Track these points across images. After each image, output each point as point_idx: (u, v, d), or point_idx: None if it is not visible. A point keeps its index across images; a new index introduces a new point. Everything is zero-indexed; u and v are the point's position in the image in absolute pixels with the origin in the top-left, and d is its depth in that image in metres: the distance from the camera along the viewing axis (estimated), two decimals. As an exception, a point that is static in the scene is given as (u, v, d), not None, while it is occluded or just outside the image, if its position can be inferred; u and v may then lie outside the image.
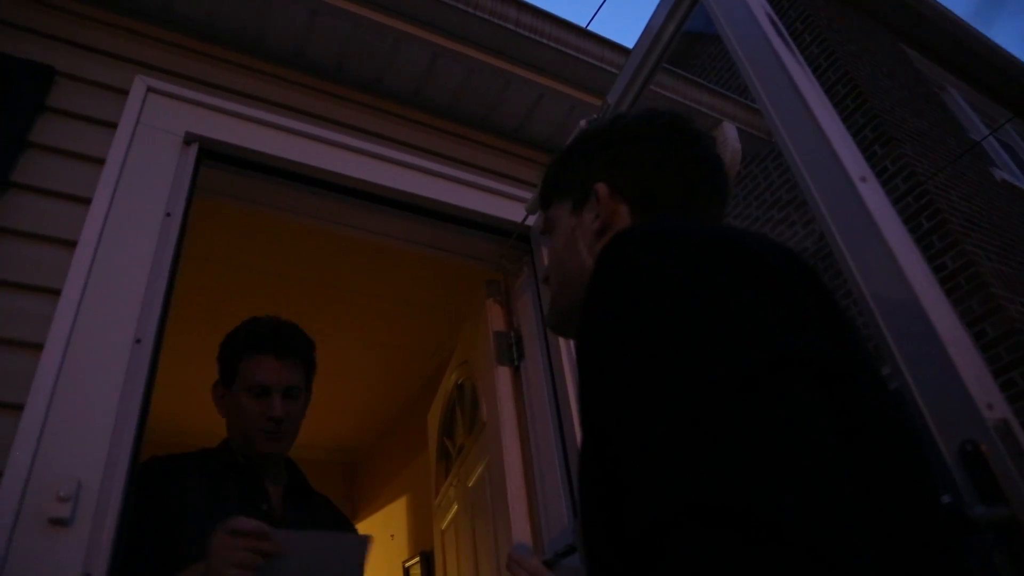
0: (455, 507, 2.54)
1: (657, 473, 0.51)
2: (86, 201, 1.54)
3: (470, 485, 2.34)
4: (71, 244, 1.48)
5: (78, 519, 1.19)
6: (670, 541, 0.48)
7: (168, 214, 1.61)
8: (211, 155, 1.82)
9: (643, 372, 0.56)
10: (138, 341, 1.41)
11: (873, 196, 0.91)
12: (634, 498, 0.52)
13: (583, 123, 1.72)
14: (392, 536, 4.53)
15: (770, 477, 0.47)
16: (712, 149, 0.95)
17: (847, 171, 0.94)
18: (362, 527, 5.20)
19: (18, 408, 1.26)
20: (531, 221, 2.09)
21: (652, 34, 1.59)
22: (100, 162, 1.61)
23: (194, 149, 1.76)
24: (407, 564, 4.05)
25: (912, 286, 0.81)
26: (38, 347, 1.33)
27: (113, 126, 1.68)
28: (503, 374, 2.13)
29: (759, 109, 1.13)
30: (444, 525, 2.69)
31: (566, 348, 1.87)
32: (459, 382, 2.61)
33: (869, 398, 0.61)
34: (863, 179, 0.93)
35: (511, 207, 2.15)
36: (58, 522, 1.17)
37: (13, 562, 1.12)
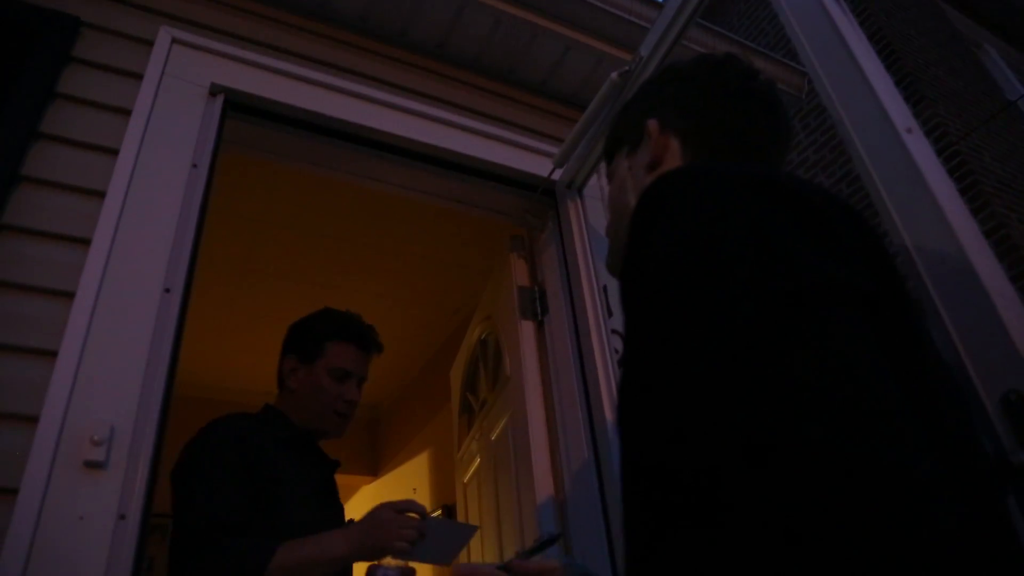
0: (477, 460, 2.57)
1: (699, 414, 0.51)
2: (113, 152, 1.55)
3: (493, 438, 2.36)
4: (100, 194, 1.49)
5: (112, 462, 1.22)
6: (717, 486, 0.47)
7: (195, 165, 1.62)
8: (236, 107, 1.82)
9: (678, 306, 0.55)
10: (167, 290, 1.43)
11: (919, 148, 0.89)
12: (681, 441, 0.52)
13: (614, 75, 1.69)
14: (415, 490, 4.61)
15: (822, 406, 0.45)
16: (771, 89, 0.92)
17: (893, 122, 0.92)
18: (384, 481, 5.29)
19: (52, 355, 1.28)
20: (557, 175, 2.07)
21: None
22: (127, 113, 1.62)
23: (219, 100, 1.76)
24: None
25: (958, 237, 0.80)
26: (70, 295, 1.35)
27: (139, 77, 1.68)
28: (527, 329, 2.13)
29: (790, 64, 1.11)
30: (466, 478, 2.72)
31: (591, 303, 1.87)
32: (482, 337, 2.62)
33: (914, 339, 0.60)
34: (909, 131, 0.91)
35: (537, 161, 2.14)
36: (93, 465, 1.20)
37: (51, 503, 1.15)
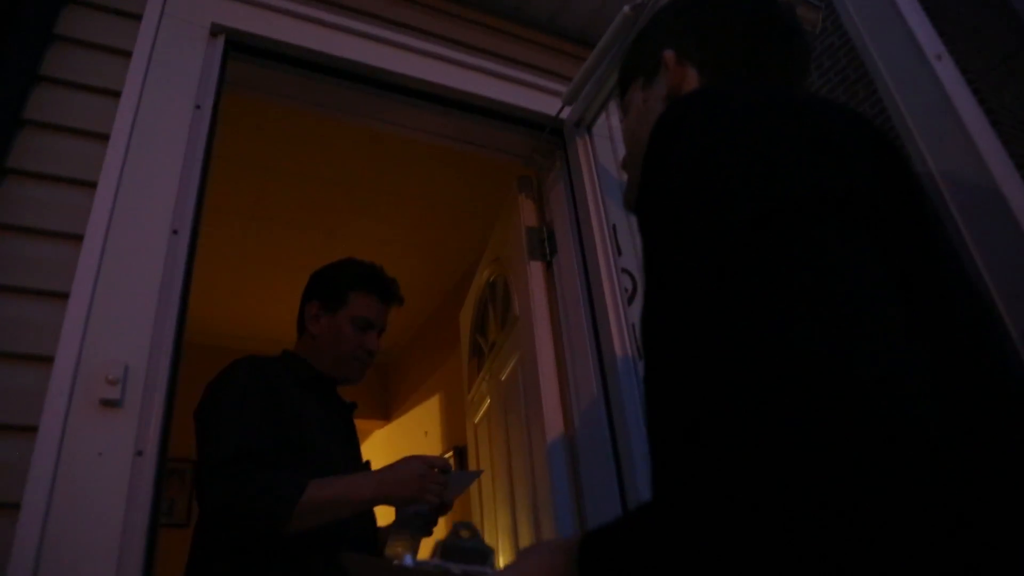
0: (488, 401, 2.60)
1: (701, 336, 0.51)
2: (115, 94, 1.53)
3: (503, 379, 2.38)
4: (103, 136, 1.47)
5: (127, 401, 1.24)
6: (720, 403, 0.48)
7: (198, 106, 1.60)
8: (238, 47, 1.79)
9: (681, 230, 0.55)
10: (175, 232, 1.43)
11: (949, 75, 0.87)
12: (687, 366, 0.52)
13: (627, 9, 1.65)
14: (426, 433, 4.67)
15: (812, 316, 0.46)
16: (789, 14, 0.90)
17: (922, 49, 0.90)
18: (396, 425, 5.37)
19: (64, 296, 1.29)
20: (565, 114, 2.04)
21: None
22: (127, 55, 1.59)
23: (220, 41, 1.74)
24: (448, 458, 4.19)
25: (988, 165, 0.78)
26: (78, 238, 1.35)
27: (138, 18, 1.65)
28: (535, 269, 2.13)
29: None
30: (477, 419, 2.76)
31: (600, 242, 1.86)
32: (491, 279, 2.62)
33: (930, 254, 0.59)
34: (938, 57, 0.89)
35: (545, 100, 2.11)
36: (109, 403, 1.22)
37: (70, 440, 1.18)
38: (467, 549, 0.98)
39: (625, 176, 1.00)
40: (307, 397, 1.59)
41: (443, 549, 0.97)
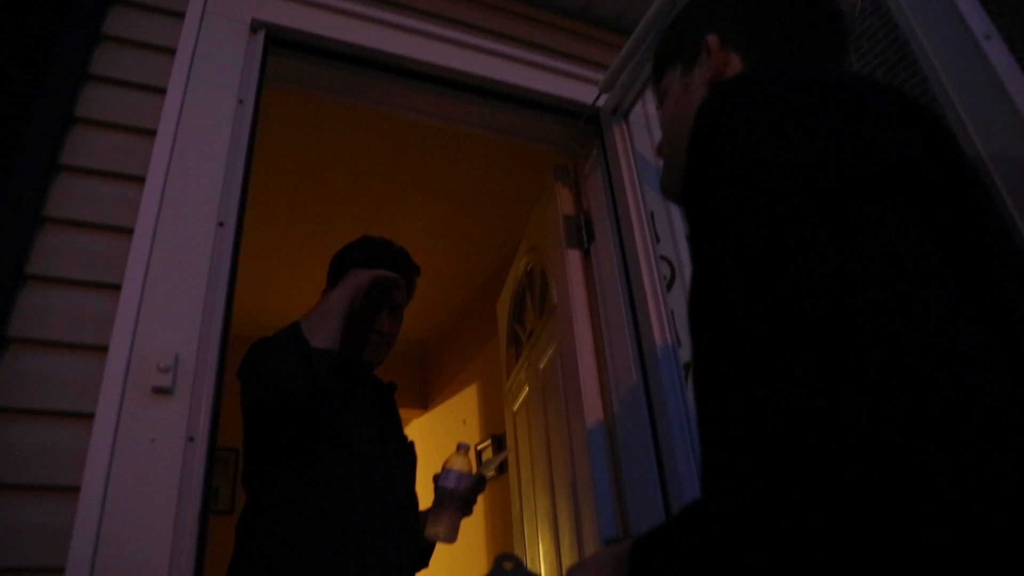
0: (526, 389, 2.61)
1: (748, 331, 0.50)
2: (161, 91, 1.57)
3: (541, 367, 2.39)
4: (151, 132, 1.51)
5: (178, 388, 1.28)
6: (772, 382, 0.47)
7: (240, 101, 1.63)
8: (278, 42, 1.82)
9: (728, 213, 0.55)
10: (220, 224, 1.46)
11: (999, 55, 0.85)
12: (743, 359, 0.51)
13: (664, -7, 1.64)
14: (464, 421, 4.71)
15: (865, 292, 0.45)
16: None
17: (971, 28, 0.88)
18: (434, 414, 5.42)
19: (116, 288, 1.33)
20: (601, 102, 2.04)
21: None
22: (171, 52, 1.63)
23: (261, 36, 1.76)
24: (479, 447, 4.22)
25: None
26: (128, 231, 1.39)
27: (181, 16, 1.68)
28: (573, 257, 2.13)
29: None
30: (515, 407, 2.77)
31: (639, 229, 1.86)
32: (528, 268, 2.63)
33: (981, 232, 0.58)
34: (987, 37, 0.87)
35: (580, 88, 2.11)
36: (161, 391, 1.26)
37: (125, 426, 1.22)
38: None
39: (661, 162, 1.00)
40: (336, 375, 1.57)
41: None
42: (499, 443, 3.94)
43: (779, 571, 0.45)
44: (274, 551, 1.40)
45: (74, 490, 1.15)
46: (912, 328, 0.44)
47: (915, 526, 0.39)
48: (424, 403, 5.65)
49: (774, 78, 0.64)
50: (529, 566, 2.43)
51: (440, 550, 1.79)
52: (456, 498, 1.53)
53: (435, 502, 1.55)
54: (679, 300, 1.79)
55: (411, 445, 1.78)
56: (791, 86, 0.61)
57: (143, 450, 1.21)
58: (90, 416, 1.21)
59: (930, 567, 0.39)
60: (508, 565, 1.00)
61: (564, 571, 0.79)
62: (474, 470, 1.60)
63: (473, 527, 3.96)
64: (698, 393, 0.60)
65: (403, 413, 1.76)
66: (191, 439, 1.26)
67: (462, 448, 1.63)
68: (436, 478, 1.59)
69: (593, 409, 1.95)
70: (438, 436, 5.17)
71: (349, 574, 1.41)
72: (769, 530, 0.45)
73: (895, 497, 0.40)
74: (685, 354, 1.72)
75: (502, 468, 3.71)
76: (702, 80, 0.89)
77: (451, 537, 1.51)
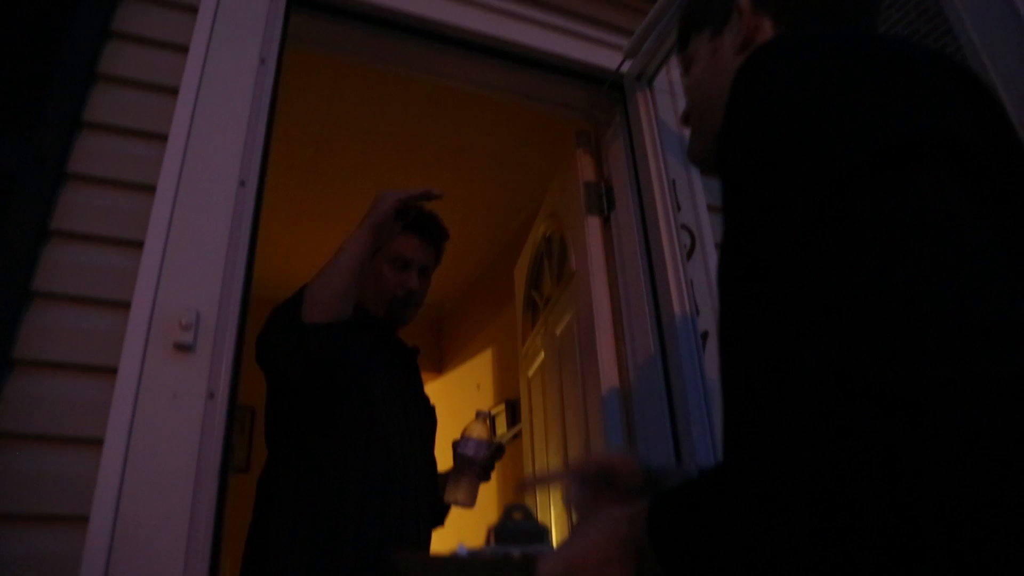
0: (542, 355, 2.62)
1: (786, 298, 0.50)
2: (183, 49, 1.56)
3: (558, 333, 2.40)
4: (173, 91, 1.51)
5: (199, 345, 1.29)
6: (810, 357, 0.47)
7: (262, 60, 1.63)
8: (300, 1, 1.80)
9: (770, 178, 0.54)
10: (242, 183, 1.47)
11: None
12: (785, 324, 0.50)
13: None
14: (478, 386, 4.74)
15: (916, 260, 0.44)
16: None
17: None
18: (448, 378, 5.45)
19: (139, 244, 1.34)
20: (625, 68, 2.01)
21: None
22: (193, 10, 1.62)
23: (283, -6, 1.75)
24: (493, 412, 4.25)
25: None
26: (151, 189, 1.40)
27: (203, -27, 1.67)
28: (593, 224, 2.13)
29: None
30: (531, 372, 2.79)
31: (660, 197, 1.84)
32: (547, 234, 2.62)
33: None
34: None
35: (604, 54, 2.08)
36: (182, 347, 1.27)
37: (147, 381, 1.23)
38: (521, 531, 0.96)
39: (687, 131, 0.98)
40: (360, 336, 1.60)
41: (497, 533, 0.95)
42: (513, 408, 3.96)
43: (819, 537, 0.44)
44: (296, 511, 1.42)
45: (98, 442, 1.17)
46: (972, 301, 0.43)
47: (974, 501, 0.39)
48: (439, 367, 5.69)
49: (821, 40, 0.62)
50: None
51: (454, 510, 1.81)
52: (475, 465, 1.55)
53: (454, 468, 1.56)
54: (698, 269, 1.78)
55: (432, 409, 1.80)
56: (840, 48, 0.60)
57: (164, 405, 1.23)
58: (113, 371, 1.23)
59: (980, 540, 0.39)
60: (518, 515, 1.00)
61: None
62: (492, 438, 1.62)
63: (486, 490, 3.98)
64: (728, 357, 0.59)
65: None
66: (211, 395, 1.27)
67: (481, 416, 1.64)
68: (455, 445, 1.61)
69: (609, 375, 1.95)
70: (452, 401, 5.21)
71: (370, 533, 1.43)
72: (813, 495, 0.45)
73: (949, 468, 0.40)
74: (703, 323, 1.72)
75: (516, 434, 3.74)
76: (732, 44, 0.87)
77: (470, 503, 1.53)
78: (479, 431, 1.61)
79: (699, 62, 0.93)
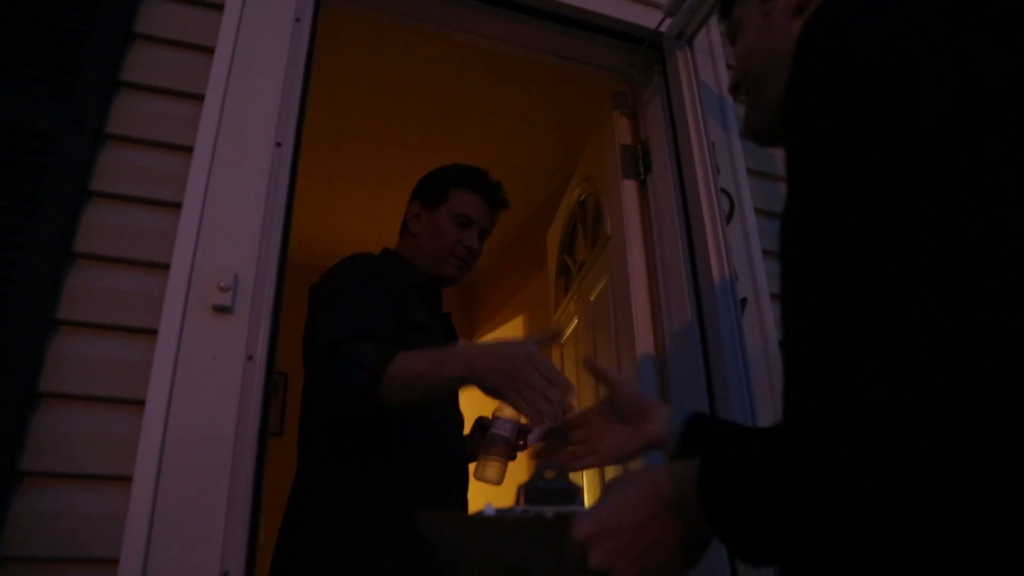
0: (576, 321, 2.60)
1: (873, 255, 0.48)
2: (219, 7, 1.55)
3: (592, 299, 2.38)
4: (209, 50, 1.50)
5: (238, 307, 1.29)
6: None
7: (298, 19, 1.61)
8: (335, -42, 1.78)
9: (860, 138, 0.51)
10: (279, 144, 1.46)
11: None
12: (867, 280, 0.48)
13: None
14: (510, 352, 4.74)
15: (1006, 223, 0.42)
16: None
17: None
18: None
19: (177, 206, 1.34)
20: (665, 27, 1.96)
21: None
22: (228, -31, 1.60)
23: (318, -49, 1.72)
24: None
25: None
26: (188, 149, 1.39)
27: (237, -71, 1.65)
28: (629, 188, 2.09)
29: None
30: (564, 339, 2.77)
31: (700, 160, 1.80)
32: (581, 198, 2.59)
33: None
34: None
35: (642, 12, 2.02)
36: (221, 309, 1.28)
37: (187, 343, 1.24)
38: (552, 490, 0.91)
39: (728, 96, 0.95)
40: (418, 302, 1.60)
41: (527, 493, 0.91)
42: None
43: (889, 501, 0.44)
44: (358, 479, 1.43)
45: (140, 403, 1.19)
46: None
47: None
48: (470, 334, 5.70)
49: None
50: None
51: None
52: (507, 445, 1.55)
53: (484, 447, 1.56)
54: (737, 234, 1.74)
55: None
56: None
57: (204, 366, 1.23)
58: (153, 332, 1.24)
59: None
60: (549, 474, 0.94)
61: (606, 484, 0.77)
62: (521, 419, 1.61)
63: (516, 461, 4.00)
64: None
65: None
66: (250, 357, 1.28)
67: None
68: (485, 423, 1.61)
69: (645, 342, 1.93)
70: (483, 365, 5.23)
71: (416, 492, 1.44)
72: (892, 459, 0.44)
73: None
74: (742, 289, 1.69)
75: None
76: (787, 7, 0.84)
77: (498, 481, 1.54)
78: (510, 411, 1.58)
79: (749, 28, 0.90)
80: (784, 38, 0.83)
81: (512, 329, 4.80)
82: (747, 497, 0.54)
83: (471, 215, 1.72)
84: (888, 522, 0.44)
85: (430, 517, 0.94)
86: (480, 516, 0.85)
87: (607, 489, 0.69)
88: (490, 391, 1.19)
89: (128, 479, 1.14)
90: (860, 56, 0.54)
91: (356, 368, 1.24)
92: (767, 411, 1.56)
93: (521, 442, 1.59)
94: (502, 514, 0.84)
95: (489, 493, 1.61)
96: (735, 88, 0.96)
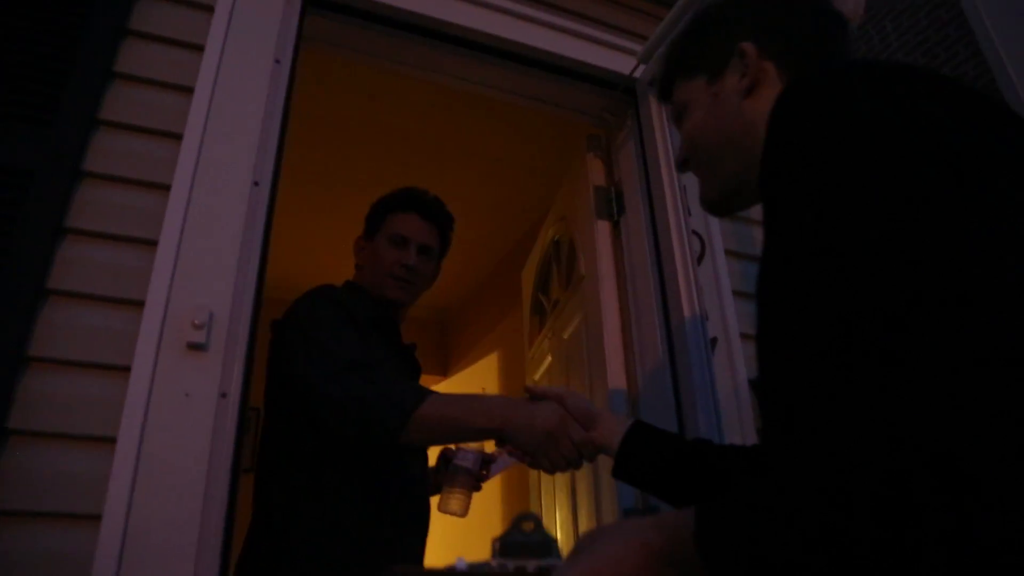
0: (549, 359, 2.62)
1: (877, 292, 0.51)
2: (199, 48, 1.57)
3: (565, 337, 2.40)
4: (188, 90, 1.52)
5: (212, 344, 1.29)
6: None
7: (277, 61, 1.63)
8: (315, 2, 1.81)
9: (862, 200, 0.54)
10: (256, 183, 1.47)
11: None
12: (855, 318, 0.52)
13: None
14: (483, 389, 4.74)
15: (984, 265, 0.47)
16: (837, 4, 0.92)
17: None
18: (454, 380, 5.45)
19: (153, 243, 1.35)
20: (639, 73, 2.02)
21: None
22: (210, 9, 1.62)
23: (298, -4, 1.75)
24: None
25: None
26: (166, 188, 1.40)
27: (219, -27, 1.68)
28: (602, 229, 2.13)
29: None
30: (537, 376, 2.78)
31: (671, 202, 1.84)
32: (556, 238, 2.63)
33: None
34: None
35: (618, 59, 2.08)
36: (195, 347, 1.28)
37: (160, 380, 1.24)
38: (527, 543, 0.91)
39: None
40: (376, 336, 1.60)
41: (502, 546, 0.91)
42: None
43: (894, 545, 0.45)
44: (317, 509, 1.43)
45: (111, 440, 1.18)
46: None
47: None
48: (444, 370, 5.69)
49: (866, 71, 0.64)
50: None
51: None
52: (471, 476, 1.55)
53: (447, 478, 1.56)
54: (708, 275, 1.78)
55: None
56: (882, 75, 0.62)
57: (177, 404, 1.23)
58: (126, 369, 1.23)
59: None
60: (528, 526, 0.95)
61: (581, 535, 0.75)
62: (487, 450, 1.62)
63: (490, 495, 4.00)
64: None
65: (423, 380, 1.77)
66: (224, 395, 1.28)
67: None
68: (450, 455, 1.62)
69: (617, 379, 1.95)
70: (457, 402, 5.21)
71: (385, 526, 1.46)
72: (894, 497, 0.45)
73: None
74: (712, 329, 1.72)
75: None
76: (736, 88, 0.88)
77: (463, 513, 1.54)
78: (476, 443, 1.60)
79: (697, 108, 0.94)
80: (735, 117, 0.87)
81: (487, 366, 4.79)
82: (752, 545, 0.54)
83: (405, 234, 1.70)
84: (899, 560, 0.45)
85: (400, 571, 0.92)
86: (452, 571, 0.84)
87: (585, 541, 0.68)
88: (519, 447, 1.24)
89: (97, 518, 1.12)
90: (856, 131, 0.58)
91: (386, 403, 1.26)
92: (734, 441, 1.58)
93: (484, 472, 1.59)
94: (476, 569, 0.83)
95: (455, 524, 1.61)
96: (682, 163, 1.00)
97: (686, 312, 1.72)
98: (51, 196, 1.31)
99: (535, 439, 1.21)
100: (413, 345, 1.80)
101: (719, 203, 0.96)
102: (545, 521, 2.50)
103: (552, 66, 2.04)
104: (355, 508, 1.44)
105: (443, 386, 5.63)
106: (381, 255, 1.68)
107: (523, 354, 3.08)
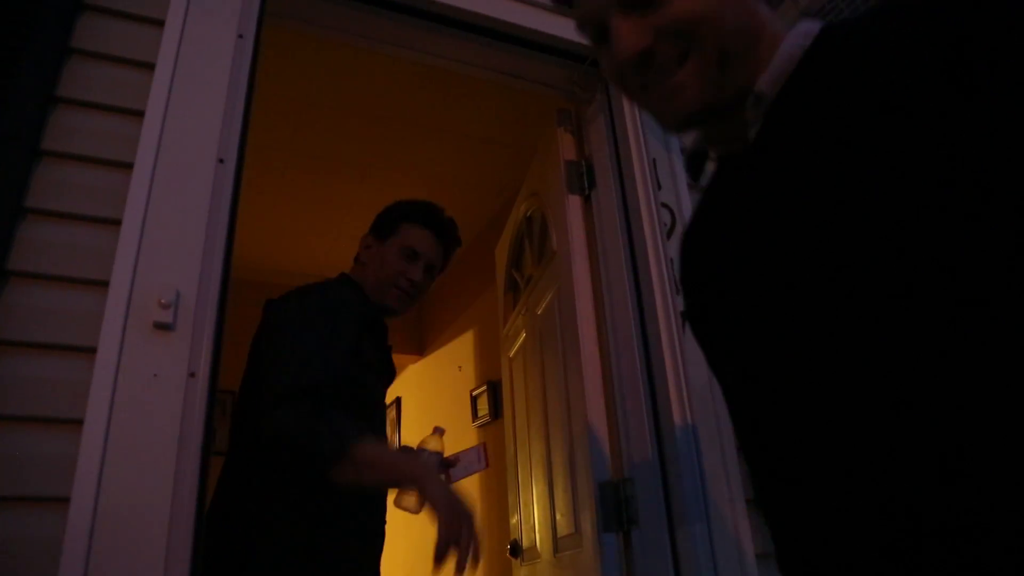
0: (523, 335, 2.63)
1: None
2: (159, 23, 1.53)
3: (539, 313, 2.40)
4: (149, 66, 1.48)
5: (179, 324, 1.28)
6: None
7: (240, 36, 1.60)
8: (278, -25, 1.78)
9: None
10: (221, 161, 1.45)
11: None
12: None
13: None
14: (460, 368, 4.74)
15: None
16: None
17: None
18: (430, 360, 5.45)
19: (116, 223, 1.32)
20: (605, 45, 2.01)
21: None
22: (170, -18, 1.59)
23: (261, -32, 1.72)
24: (474, 393, 4.25)
25: None
26: (128, 166, 1.37)
27: (178, -55, 1.64)
28: (574, 203, 2.13)
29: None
30: (512, 352, 2.79)
31: (640, 176, 1.85)
32: (528, 214, 2.62)
33: None
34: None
35: (584, 31, 2.07)
36: (162, 326, 1.26)
37: (126, 362, 1.22)
38: None
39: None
40: (369, 338, 1.64)
41: None
42: (495, 389, 3.97)
43: None
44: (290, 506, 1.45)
45: (78, 422, 1.16)
46: None
47: None
48: (421, 349, 5.68)
49: None
50: (523, 509, 2.48)
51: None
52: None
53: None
54: (678, 248, 1.79)
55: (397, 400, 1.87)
56: None
57: (145, 384, 1.22)
58: (92, 350, 1.22)
59: None
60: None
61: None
62: (445, 452, 1.74)
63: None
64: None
65: (400, 359, 1.82)
66: (192, 375, 1.26)
67: (438, 431, 1.76)
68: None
69: (590, 354, 1.97)
70: (436, 381, 5.21)
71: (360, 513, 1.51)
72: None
73: None
74: (681, 302, 1.73)
75: (497, 414, 3.76)
76: None
77: (417, 510, 1.56)
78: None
79: None
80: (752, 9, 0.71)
81: (463, 343, 4.80)
82: None
83: (418, 249, 1.75)
84: None
85: None
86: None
87: None
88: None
89: (66, 501, 1.11)
90: None
91: (331, 438, 1.33)
92: (706, 414, 1.60)
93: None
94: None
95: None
96: (647, 55, 0.69)
97: (656, 286, 1.73)
98: (7, 176, 1.29)
99: (447, 513, 1.29)
100: (390, 347, 1.82)
101: (696, 115, 0.71)
102: (522, 496, 2.52)
103: (520, 39, 2.02)
104: (331, 497, 1.46)
105: (420, 365, 5.63)
106: (389, 262, 1.73)
107: (498, 331, 3.09)
